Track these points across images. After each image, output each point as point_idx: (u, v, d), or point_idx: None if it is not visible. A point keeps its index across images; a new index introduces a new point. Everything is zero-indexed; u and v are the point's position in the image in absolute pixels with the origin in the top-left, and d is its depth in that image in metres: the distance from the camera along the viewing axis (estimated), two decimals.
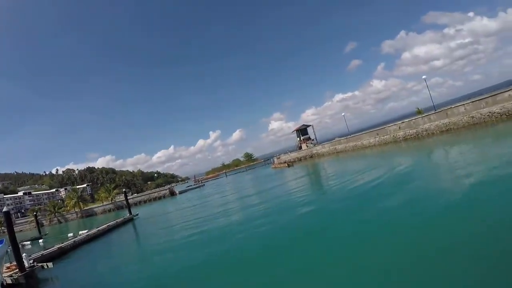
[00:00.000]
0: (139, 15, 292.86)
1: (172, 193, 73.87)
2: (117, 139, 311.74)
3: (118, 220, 36.60)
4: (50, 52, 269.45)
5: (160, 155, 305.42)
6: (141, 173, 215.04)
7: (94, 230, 31.49)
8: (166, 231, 24.52)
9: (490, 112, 33.84)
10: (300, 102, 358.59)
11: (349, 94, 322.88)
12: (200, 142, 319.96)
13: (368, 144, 51.42)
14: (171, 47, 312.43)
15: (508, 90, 32.97)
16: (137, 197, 78.91)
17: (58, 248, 24.80)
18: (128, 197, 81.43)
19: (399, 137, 44.84)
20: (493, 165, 14.88)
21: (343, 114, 77.22)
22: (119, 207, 69.33)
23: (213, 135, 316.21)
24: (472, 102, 35.94)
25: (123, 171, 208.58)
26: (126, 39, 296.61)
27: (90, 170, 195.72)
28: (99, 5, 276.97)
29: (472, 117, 35.31)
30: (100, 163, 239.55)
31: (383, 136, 48.28)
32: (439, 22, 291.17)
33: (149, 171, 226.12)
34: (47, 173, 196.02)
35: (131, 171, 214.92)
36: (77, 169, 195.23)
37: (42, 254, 22.61)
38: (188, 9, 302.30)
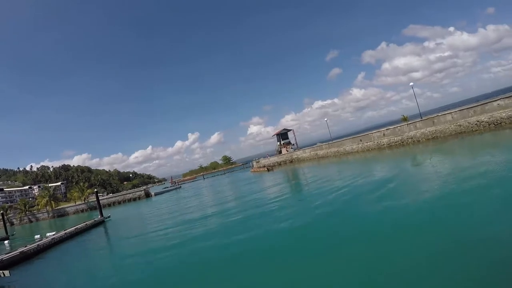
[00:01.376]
0: (119, 14, 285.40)
1: (148, 195, 70.91)
2: (94, 137, 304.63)
3: (87, 222, 33.62)
4: (28, 48, 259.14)
5: (137, 155, 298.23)
6: (117, 172, 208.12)
7: (61, 233, 28.71)
8: (138, 236, 22.30)
9: (478, 121, 32.94)
10: (279, 107, 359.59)
11: (329, 101, 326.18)
12: (178, 144, 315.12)
13: (351, 150, 49.95)
14: (152, 47, 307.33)
15: (497, 100, 32.18)
16: (111, 197, 75.69)
17: (20, 252, 22.14)
18: (102, 198, 78.58)
19: (383, 144, 43.52)
20: (469, 176, 14.93)
21: (325, 119, 75.61)
22: (92, 208, 65.98)
23: (191, 137, 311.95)
24: (460, 110, 35.03)
25: (99, 170, 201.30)
26: (106, 38, 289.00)
27: (66, 168, 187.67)
28: (79, 3, 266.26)
29: (460, 125, 34.34)
30: (76, 161, 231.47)
31: (367, 142, 46.88)
32: (419, 35, 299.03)
33: (125, 171, 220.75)
34: (21, 169, 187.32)
35: (108, 170, 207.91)
36: (52, 166, 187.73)
37: (1, 260, 19.99)
38: (170, 10, 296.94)
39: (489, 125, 32.03)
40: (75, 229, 30.43)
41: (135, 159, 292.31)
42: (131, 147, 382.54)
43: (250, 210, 21.59)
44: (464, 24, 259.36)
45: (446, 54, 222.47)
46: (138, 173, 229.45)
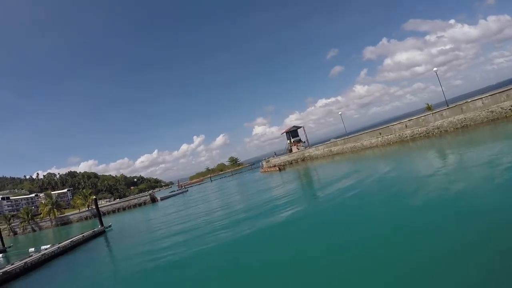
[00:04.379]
0: (120, 16, 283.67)
1: (154, 200, 68.01)
2: (100, 143, 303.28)
3: (85, 234, 30.50)
4: (30, 53, 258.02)
5: (143, 159, 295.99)
6: (124, 177, 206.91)
7: (54, 247, 25.73)
8: (140, 251, 19.12)
9: None
10: (283, 107, 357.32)
11: (332, 99, 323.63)
12: (184, 147, 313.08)
13: (370, 145, 47.43)
14: (154, 49, 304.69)
15: None
16: (115, 204, 72.90)
17: (3, 273, 19.30)
18: (105, 204, 76.35)
19: (406, 136, 41.23)
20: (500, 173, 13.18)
21: (339, 113, 72.90)
22: (96, 215, 62.94)
23: (197, 139, 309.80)
24: (491, 95, 32.32)
25: (105, 175, 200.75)
26: (109, 41, 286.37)
27: (72, 174, 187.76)
28: (79, 6, 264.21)
29: (492, 111, 31.90)
30: (82, 167, 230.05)
31: (387, 135, 44.48)
32: (420, 29, 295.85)
33: (132, 175, 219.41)
34: (28, 177, 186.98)
35: (114, 175, 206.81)
36: (59, 174, 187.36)
37: None
38: (171, 11, 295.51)
39: None
40: (71, 242, 27.53)
41: (141, 164, 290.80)
42: (137, 151, 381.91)
43: (264, 218, 18.54)
44: (465, 17, 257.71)
45: (448, 47, 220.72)
46: (145, 177, 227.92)
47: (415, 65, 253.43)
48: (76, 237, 29.27)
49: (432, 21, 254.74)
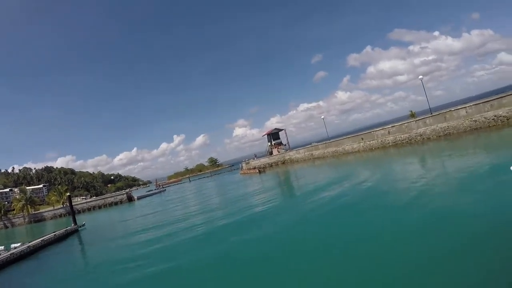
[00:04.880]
0: (102, 10, 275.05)
1: (130, 199, 65.86)
2: (79, 139, 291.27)
3: (57, 233, 28.73)
4: (7, 45, 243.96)
5: (122, 157, 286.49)
6: (101, 175, 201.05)
7: (24, 246, 23.85)
8: (112, 254, 17.83)
9: (495, 116, 30.61)
10: (265, 110, 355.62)
11: (314, 104, 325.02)
12: (163, 146, 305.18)
13: (351, 150, 46.99)
14: (139, 45, 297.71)
15: None
16: (91, 201, 70.44)
17: None
18: (80, 202, 73.28)
19: (388, 142, 40.90)
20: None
21: (322, 117, 72.03)
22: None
23: (177, 138, 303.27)
24: (475, 105, 32.50)
25: (82, 172, 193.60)
26: (90, 34, 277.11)
27: (48, 170, 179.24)
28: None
29: (475, 121, 31.91)
30: (60, 163, 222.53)
31: (369, 141, 44.11)
32: (404, 39, 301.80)
33: (110, 173, 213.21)
34: (3, 171, 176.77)
35: (91, 172, 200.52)
36: (35, 168, 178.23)
37: None
38: (155, 7, 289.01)
39: (508, 120, 29.85)
40: (42, 241, 25.74)
41: (119, 161, 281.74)
42: (116, 149, 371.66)
43: (244, 224, 17.52)
44: (449, 29, 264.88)
45: (431, 58, 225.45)
46: (123, 175, 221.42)
47: (398, 74, 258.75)
48: (48, 236, 27.50)
49: (417, 31, 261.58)
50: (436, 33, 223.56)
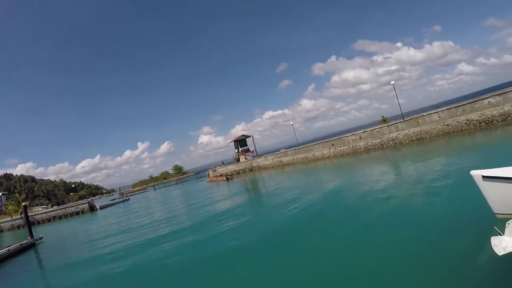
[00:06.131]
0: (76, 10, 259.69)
1: (92, 208, 61.81)
2: (40, 144, 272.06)
3: (11, 248, 24.85)
4: None
5: (84, 164, 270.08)
6: (63, 183, 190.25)
7: None
8: (74, 272, 15.02)
9: (468, 120, 30.26)
10: (230, 117, 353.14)
11: (279, 111, 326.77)
12: (127, 153, 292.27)
13: (322, 156, 45.68)
14: (103, 50, 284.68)
15: (488, 97, 29.78)
16: (50, 211, 65.22)
17: None
18: (40, 212, 67.45)
19: (360, 148, 39.83)
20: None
21: (291, 122, 70.98)
22: (31, 223, 54.48)
23: (141, 146, 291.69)
24: (447, 109, 32.08)
25: (43, 180, 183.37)
26: (57, 31, 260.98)
27: (7, 177, 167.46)
28: None
29: (448, 125, 31.44)
30: (20, 170, 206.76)
31: (340, 147, 42.92)
32: (368, 50, 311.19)
33: (72, 181, 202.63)
34: None
35: (53, 180, 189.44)
36: None
37: None
38: (124, 12, 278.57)
39: (480, 123, 29.50)
40: None
41: (82, 169, 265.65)
42: (78, 155, 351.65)
43: (212, 236, 15.65)
44: (411, 40, 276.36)
45: (394, 68, 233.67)
46: (85, 183, 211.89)
47: (361, 83, 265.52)
48: (1, 252, 23.83)
49: (380, 42, 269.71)
50: (399, 44, 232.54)
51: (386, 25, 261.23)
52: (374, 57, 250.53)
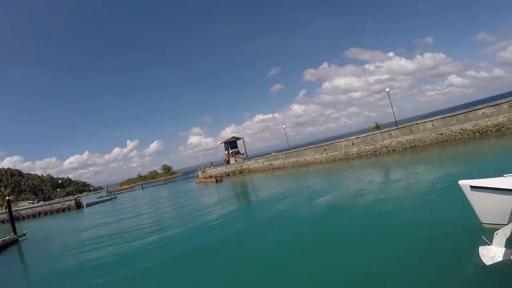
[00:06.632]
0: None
1: (79, 205, 60.11)
2: (28, 138, 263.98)
3: None
4: None
5: (72, 160, 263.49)
6: (50, 178, 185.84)
7: None
8: (57, 269, 14.55)
9: (462, 130, 30.25)
10: (220, 119, 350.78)
11: (270, 115, 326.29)
12: (116, 151, 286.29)
13: (313, 161, 45.26)
14: (96, 46, 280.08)
15: (482, 108, 29.80)
16: (36, 207, 63.34)
17: None
18: (26, 207, 65.84)
19: (352, 154, 39.54)
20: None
21: (283, 126, 70.46)
22: (16, 218, 52.81)
23: (130, 144, 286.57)
24: (442, 118, 32.07)
25: (31, 174, 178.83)
26: (48, 27, 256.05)
27: None
28: None
29: (442, 134, 31.41)
30: (6, 163, 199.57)
31: (332, 152, 42.59)
32: (360, 58, 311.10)
33: (59, 176, 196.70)
34: None
35: (40, 175, 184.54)
36: None
37: None
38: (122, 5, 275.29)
39: (474, 133, 29.50)
40: None
41: (70, 165, 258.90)
42: (67, 151, 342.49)
43: (201, 238, 15.11)
44: (404, 51, 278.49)
45: (385, 77, 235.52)
46: (73, 179, 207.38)
47: (352, 91, 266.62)
48: None
49: (372, 51, 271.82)
50: (391, 53, 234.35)
51: (379, 34, 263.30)
52: (366, 66, 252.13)
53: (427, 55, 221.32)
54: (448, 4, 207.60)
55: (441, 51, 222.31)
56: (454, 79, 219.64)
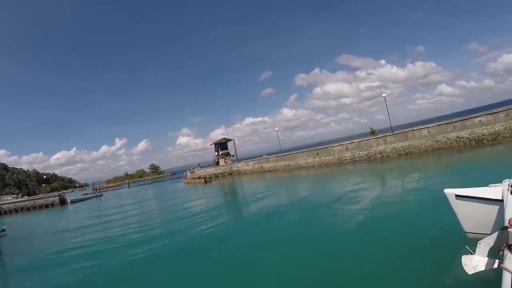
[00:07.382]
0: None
1: (63, 202, 58.36)
2: (14, 132, 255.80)
3: None
4: None
5: (59, 156, 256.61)
6: (36, 173, 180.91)
7: None
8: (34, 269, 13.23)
9: (458, 137, 29.95)
10: (210, 120, 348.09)
11: (260, 119, 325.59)
12: (104, 148, 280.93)
13: (305, 165, 44.53)
14: (90, 42, 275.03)
15: (479, 116, 29.56)
16: (19, 202, 61.62)
17: None
18: (8, 201, 65.25)
19: (346, 159, 38.94)
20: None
21: (276, 129, 69.29)
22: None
23: (119, 142, 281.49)
24: (438, 125, 31.80)
25: (16, 169, 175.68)
26: (42, 23, 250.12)
27: None
28: None
29: (437, 141, 31.08)
30: None
31: (325, 156, 41.96)
32: (352, 65, 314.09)
33: (45, 172, 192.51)
34: None
35: (26, 170, 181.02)
36: None
37: None
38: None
39: (470, 141, 29.22)
40: None
41: (56, 160, 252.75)
42: (54, 146, 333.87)
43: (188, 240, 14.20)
44: (395, 59, 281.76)
45: (376, 84, 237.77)
46: (59, 175, 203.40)
47: (343, 97, 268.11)
48: None
49: (364, 58, 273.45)
50: (383, 61, 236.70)
51: (371, 42, 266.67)
52: (358, 72, 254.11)
53: (418, 63, 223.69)
54: (440, 14, 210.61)
55: (432, 60, 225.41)
56: (444, 88, 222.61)
